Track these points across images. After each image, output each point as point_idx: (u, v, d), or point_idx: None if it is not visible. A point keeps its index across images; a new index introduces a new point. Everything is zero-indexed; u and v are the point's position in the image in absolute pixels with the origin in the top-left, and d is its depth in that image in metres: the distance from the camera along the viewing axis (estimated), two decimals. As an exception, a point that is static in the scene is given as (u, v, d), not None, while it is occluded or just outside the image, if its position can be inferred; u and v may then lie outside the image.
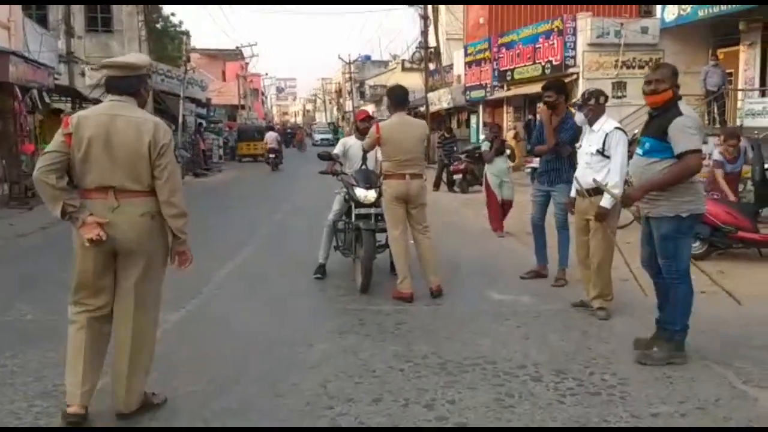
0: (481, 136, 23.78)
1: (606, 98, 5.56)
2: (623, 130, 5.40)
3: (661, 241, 4.31)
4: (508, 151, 9.35)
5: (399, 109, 6.21)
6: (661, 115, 4.24)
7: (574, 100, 8.93)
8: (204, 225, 10.69)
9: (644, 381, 4.03)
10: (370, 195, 6.38)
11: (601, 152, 5.29)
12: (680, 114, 4.13)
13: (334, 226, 7.00)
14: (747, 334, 4.95)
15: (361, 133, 7.04)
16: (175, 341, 4.66)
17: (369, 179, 6.49)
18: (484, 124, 24.83)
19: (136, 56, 3.62)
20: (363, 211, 6.43)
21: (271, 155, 26.44)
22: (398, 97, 6.31)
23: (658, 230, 4.32)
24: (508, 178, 9.92)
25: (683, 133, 4.09)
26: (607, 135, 5.30)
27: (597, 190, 5.27)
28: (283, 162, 27.65)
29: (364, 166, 6.74)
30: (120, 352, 3.44)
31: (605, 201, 5.14)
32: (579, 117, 5.76)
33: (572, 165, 6.43)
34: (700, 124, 4.23)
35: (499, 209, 9.74)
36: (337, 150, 7.18)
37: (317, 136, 55.82)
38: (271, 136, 27.74)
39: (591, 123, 5.49)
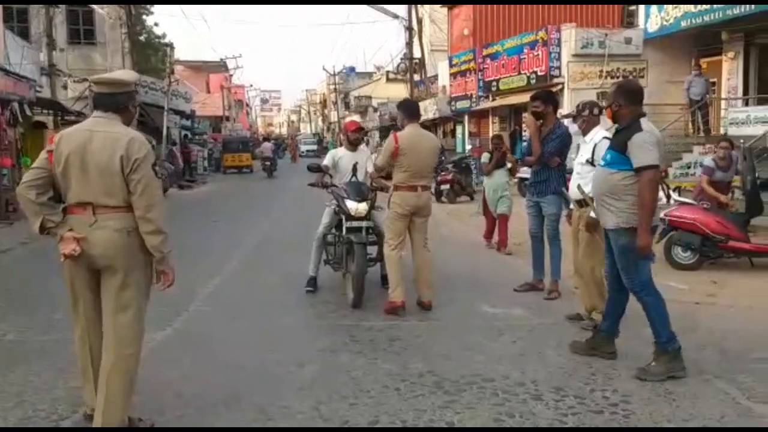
0: (467, 147, 23.82)
1: (600, 110, 5.48)
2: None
3: (620, 254, 4.35)
4: (508, 165, 8.97)
5: (413, 121, 6.12)
6: (624, 131, 4.34)
7: (567, 112, 8.83)
8: (189, 238, 10.52)
9: (647, 398, 3.93)
10: (362, 208, 6.24)
11: (591, 162, 5.23)
12: (640, 130, 4.22)
13: (324, 240, 6.83)
14: (746, 346, 4.88)
15: (352, 144, 6.97)
16: (160, 362, 4.50)
17: (360, 192, 6.37)
18: (470, 134, 24.88)
19: (125, 73, 3.64)
20: (354, 224, 6.29)
21: (267, 163, 28.92)
22: (412, 108, 6.31)
23: (616, 242, 4.37)
24: (506, 192, 9.45)
25: (641, 148, 4.18)
26: (596, 145, 5.24)
27: (583, 201, 5.24)
28: (276, 169, 29.77)
29: (354, 178, 6.63)
30: (104, 364, 3.38)
31: (594, 211, 5.07)
32: (573, 128, 5.70)
33: (561, 176, 6.38)
34: (658, 140, 4.26)
35: (494, 223, 9.46)
36: (326, 162, 7.02)
37: (303, 147, 55.30)
38: (266, 146, 31.23)
39: (584, 134, 5.46)
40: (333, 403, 3.90)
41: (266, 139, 38.72)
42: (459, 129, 26.67)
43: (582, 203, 5.36)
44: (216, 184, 26.09)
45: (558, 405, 3.84)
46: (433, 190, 16.68)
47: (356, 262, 5.97)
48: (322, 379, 4.28)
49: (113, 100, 3.38)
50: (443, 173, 16.40)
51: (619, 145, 4.31)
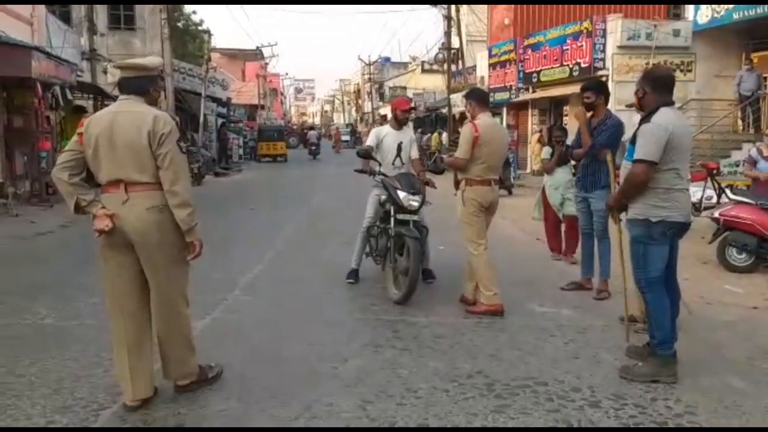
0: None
1: None
2: None
3: (631, 245, 4.26)
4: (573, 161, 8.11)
5: (484, 109, 5.70)
6: (642, 120, 4.17)
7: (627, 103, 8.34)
8: (227, 226, 10.47)
9: (714, 410, 3.67)
10: (415, 202, 6.00)
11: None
12: (649, 121, 4.05)
13: (368, 232, 6.57)
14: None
15: (399, 123, 6.64)
16: (200, 352, 4.36)
17: (413, 185, 6.10)
18: (508, 127, 24.45)
19: (148, 59, 3.79)
20: (405, 216, 6.04)
21: (312, 147, 35.49)
22: (483, 96, 5.92)
23: (630, 233, 4.29)
24: (572, 191, 7.87)
25: (641, 139, 4.06)
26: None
27: None
28: (320, 153, 35.58)
29: (398, 159, 6.44)
30: (158, 335, 3.69)
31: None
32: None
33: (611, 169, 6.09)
34: (670, 134, 3.96)
35: (558, 227, 8.11)
36: (370, 141, 6.64)
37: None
38: (312, 134, 37.36)
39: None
40: (380, 402, 3.73)
41: (311, 128, 45.72)
42: (497, 121, 26.26)
43: None
44: (251, 172, 26.13)
45: (618, 414, 3.61)
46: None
47: (413, 258, 5.68)
48: (366, 376, 4.11)
49: (136, 84, 3.55)
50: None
51: (634, 136, 4.17)
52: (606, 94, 6.31)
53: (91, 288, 6.31)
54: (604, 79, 17.66)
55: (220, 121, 30.53)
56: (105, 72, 20.88)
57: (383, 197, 6.35)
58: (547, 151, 8.38)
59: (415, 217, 6.08)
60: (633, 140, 4.17)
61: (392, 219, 6.06)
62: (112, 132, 3.41)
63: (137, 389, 3.57)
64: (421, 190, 6.16)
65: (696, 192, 9.40)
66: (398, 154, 6.47)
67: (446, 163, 6.30)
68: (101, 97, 18.54)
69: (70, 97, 15.77)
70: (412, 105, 7.22)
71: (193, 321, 4.62)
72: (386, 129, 6.71)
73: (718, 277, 7.16)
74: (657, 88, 4.17)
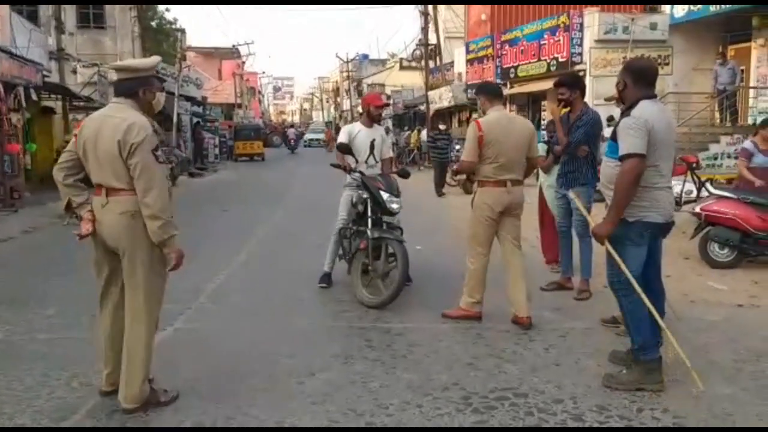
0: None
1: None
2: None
3: (609, 244, 3.92)
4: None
5: (496, 103, 5.22)
6: (622, 115, 3.94)
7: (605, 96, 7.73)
8: (196, 228, 10.12)
9: (703, 420, 3.46)
10: (396, 204, 5.81)
11: None
12: (629, 114, 3.80)
13: (341, 234, 6.27)
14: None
15: (372, 120, 6.38)
16: (158, 366, 4.06)
17: (393, 187, 5.89)
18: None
19: (140, 60, 3.92)
20: (385, 219, 5.87)
21: (291, 142, 41.47)
22: (493, 90, 5.41)
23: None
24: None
25: (623, 134, 3.78)
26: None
27: None
28: (297, 147, 40.77)
29: (371, 158, 6.20)
30: (124, 339, 3.58)
31: None
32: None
33: (591, 166, 5.89)
34: (647, 125, 3.71)
35: (556, 234, 6.75)
36: (341, 139, 6.34)
37: (308, 135, 50.61)
38: (291, 131, 43.63)
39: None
40: (348, 419, 3.47)
41: (291, 126, 53.22)
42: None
43: None
44: (227, 172, 25.73)
45: (602, 427, 3.38)
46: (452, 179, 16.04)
47: (401, 263, 5.50)
48: (335, 391, 3.84)
49: (125, 86, 3.52)
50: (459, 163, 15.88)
51: (613, 131, 3.91)
52: (581, 88, 6.09)
53: (48, 299, 6.00)
54: (581, 73, 17.56)
55: (194, 120, 30.04)
56: (74, 72, 20.39)
57: (355, 198, 6.09)
58: (542, 147, 7.09)
59: (394, 220, 5.92)
60: (614, 136, 3.90)
61: (369, 220, 5.81)
62: (97, 137, 3.41)
63: (111, 376, 3.63)
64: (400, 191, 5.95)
65: (676, 186, 9.23)
66: (371, 152, 6.24)
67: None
68: (70, 98, 18.06)
69: (35, 98, 15.27)
70: (386, 101, 6.90)
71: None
72: (358, 126, 6.44)
73: (701, 274, 7.00)
74: (638, 81, 3.91)
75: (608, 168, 3.97)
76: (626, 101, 3.96)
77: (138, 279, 3.47)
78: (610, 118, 15.63)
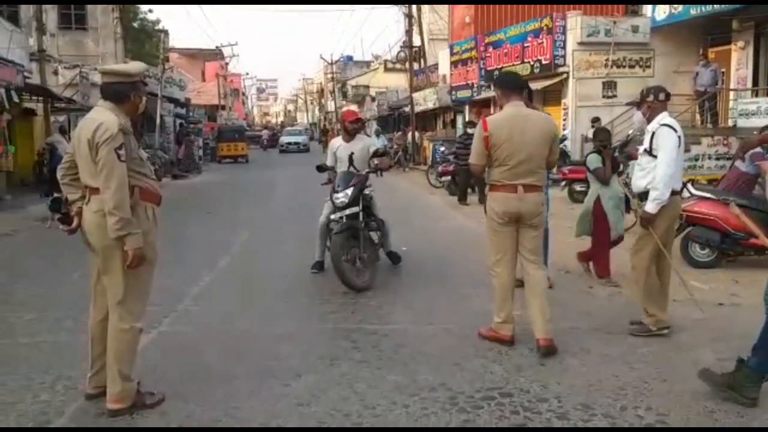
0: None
1: (667, 95, 4.94)
2: (672, 127, 4.75)
3: None
4: (622, 167, 6.90)
5: (513, 97, 4.59)
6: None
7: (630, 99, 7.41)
8: (180, 231, 10.07)
9: (686, 417, 3.51)
10: (340, 198, 6.34)
11: (649, 152, 4.77)
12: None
13: (326, 226, 6.72)
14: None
15: (348, 135, 6.91)
16: (142, 371, 4.04)
17: (347, 181, 6.41)
18: (470, 124, 24.35)
19: (131, 64, 3.90)
20: (338, 215, 6.38)
21: (266, 142, 46.38)
22: (510, 81, 4.83)
23: None
24: (623, 206, 6.87)
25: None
26: (653, 133, 4.77)
27: (645, 195, 4.79)
28: (273, 146, 44.17)
29: (351, 168, 6.56)
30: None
31: (649, 205, 4.68)
32: (637, 116, 5.17)
33: None
34: None
35: (607, 244, 6.76)
36: (329, 159, 7.06)
37: (285, 139, 43.27)
38: (265, 132, 49.21)
39: (649, 122, 4.92)
40: (334, 421, 3.48)
41: (266, 128, 57.81)
42: (459, 119, 26.16)
43: (640, 197, 4.92)
44: (211, 174, 25.60)
45: (587, 425, 3.42)
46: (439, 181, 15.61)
47: (332, 251, 6.15)
48: (321, 393, 3.84)
49: (115, 90, 3.58)
50: (445, 164, 15.91)
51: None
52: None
53: (30, 302, 5.93)
54: (564, 76, 17.71)
55: (179, 122, 29.84)
56: (55, 73, 20.19)
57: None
58: (597, 159, 6.79)
59: (349, 211, 6.34)
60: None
61: (334, 215, 6.45)
62: (79, 139, 3.51)
63: (94, 378, 3.66)
64: (353, 182, 6.41)
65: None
66: (351, 164, 6.61)
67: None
68: (51, 100, 17.88)
69: (16, 99, 15.11)
70: (359, 117, 7.58)
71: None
72: (339, 141, 7.14)
73: (683, 273, 7.06)
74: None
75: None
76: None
77: (113, 277, 3.50)
78: (595, 119, 15.77)
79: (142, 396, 3.62)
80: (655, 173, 4.67)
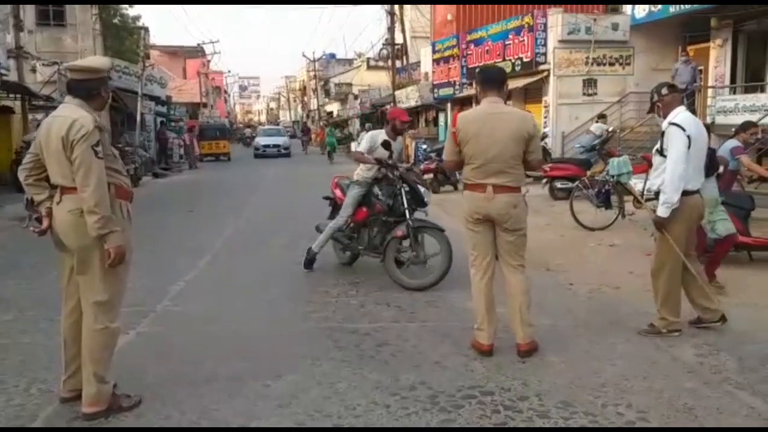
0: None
1: (671, 86, 4.88)
2: (680, 126, 4.60)
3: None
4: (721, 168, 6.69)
5: (491, 93, 4.37)
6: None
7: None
8: (161, 230, 9.98)
9: (665, 414, 3.52)
10: (428, 198, 6.58)
11: (660, 152, 4.72)
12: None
13: (340, 229, 6.82)
14: (764, 351, 4.47)
15: (396, 134, 6.84)
16: (120, 372, 3.98)
17: (424, 182, 6.82)
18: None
19: (97, 59, 3.84)
20: (420, 211, 6.52)
21: (248, 140, 46.28)
22: (488, 75, 4.54)
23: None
24: (721, 210, 6.40)
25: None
26: (663, 132, 4.71)
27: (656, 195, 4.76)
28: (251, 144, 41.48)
29: (391, 160, 6.62)
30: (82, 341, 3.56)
31: (659, 209, 4.64)
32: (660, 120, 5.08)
33: None
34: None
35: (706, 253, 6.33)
36: (364, 146, 6.78)
37: (261, 141, 35.58)
38: (247, 131, 49.58)
39: (664, 119, 4.83)
40: (314, 422, 3.45)
41: (248, 126, 59.19)
42: (442, 117, 26.20)
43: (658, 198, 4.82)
44: (192, 173, 25.40)
45: (568, 423, 3.42)
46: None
47: (445, 248, 6.16)
48: (302, 393, 3.81)
49: (85, 86, 3.51)
50: (427, 162, 15.92)
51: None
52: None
53: (6, 303, 5.85)
54: (545, 73, 17.77)
55: (159, 120, 29.58)
56: (33, 71, 19.93)
57: (383, 192, 6.60)
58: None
59: (423, 212, 6.62)
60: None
61: (407, 212, 6.34)
62: (48, 138, 3.43)
63: (69, 382, 3.61)
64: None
65: (638, 183, 9.37)
66: (391, 155, 6.66)
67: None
68: (29, 97, 17.63)
69: (-7, 97, 14.88)
70: (410, 118, 7.49)
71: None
72: (383, 136, 6.72)
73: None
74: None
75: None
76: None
77: (90, 277, 3.45)
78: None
79: (118, 399, 3.57)
80: (665, 175, 4.59)
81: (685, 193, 4.62)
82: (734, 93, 15.32)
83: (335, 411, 3.56)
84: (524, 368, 4.19)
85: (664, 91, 4.83)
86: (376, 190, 6.66)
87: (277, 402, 3.69)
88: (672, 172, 4.55)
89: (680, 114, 4.70)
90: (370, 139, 6.77)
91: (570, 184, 11.91)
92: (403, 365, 4.24)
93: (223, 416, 3.52)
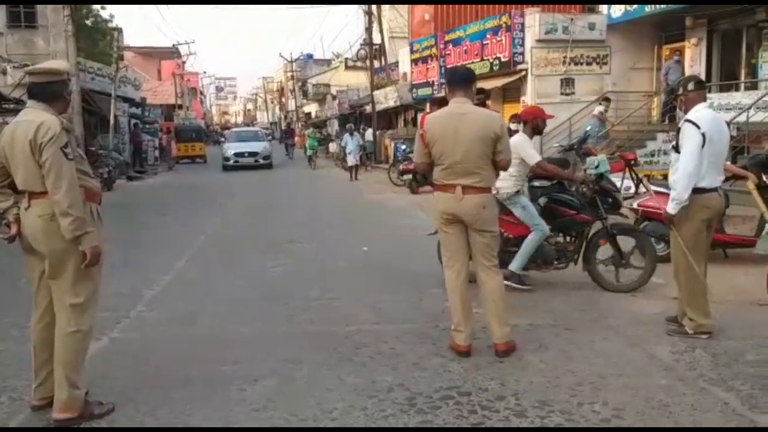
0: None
1: (698, 83, 4.84)
2: (695, 123, 4.53)
3: None
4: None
5: (458, 93, 4.35)
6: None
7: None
8: (135, 233, 9.86)
9: (641, 411, 3.53)
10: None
11: (676, 149, 4.69)
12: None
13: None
14: (738, 347, 4.52)
15: (536, 133, 6.20)
16: (93, 379, 3.91)
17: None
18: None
19: (57, 62, 3.83)
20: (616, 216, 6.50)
21: (221, 139, 36.62)
22: (455, 76, 4.56)
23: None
24: None
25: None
26: (679, 129, 4.67)
27: None
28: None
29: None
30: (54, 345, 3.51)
31: (669, 204, 4.64)
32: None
33: None
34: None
35: None
36: (533, 151, 6.07)
37: (232, 148, 26.96)
38: (226, 133, 38.85)
39: (686, 114, 4.78)
40: (290, 427, 3.40)
41: (225, 127, 55.51)
42: (420, 117, 26.21)
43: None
44: (167, 175, 25.15)
45: (544, 422, 3.43)
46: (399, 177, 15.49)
47: (650, 251, 6.16)
48: (278, 397, 3.77)
49: (49, 90, 3.47)
50: (406, 162, 15.91)
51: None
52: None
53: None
54: (523, 73, 17.85)
55: (133, 122, 29.24)
56: (4, 73, 19.60)
57: (576, 199, 6.26)
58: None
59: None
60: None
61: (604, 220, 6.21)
62: (12, 144, 3.38)
63: (40, 389, 3.56)
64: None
65: (615, 182, 9.45)
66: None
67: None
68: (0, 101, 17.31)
69: (-38, 100, 14.60)
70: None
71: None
72: (525, 137, 6.09)
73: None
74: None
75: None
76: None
77: (63, 281, 3.41)
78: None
79: (90, 406, 3.52)
80: (678, 172, 4.57)
81: (698, 191, 4.58)
82: (709, 92, 15.52)
83: (311, 414, 3.53)
84: (502, 368, 4.19)
85: (690, 86, 4.75)
86: (575, 197, 6.27)
87: (252, 406, 3.65)
88: (683, 170, 4.52)
89: (699, 111, 4.63)
90: (530, 146, 6.04)
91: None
92: (381, 367, 4.22)
93: (197, 422, 3.48)
